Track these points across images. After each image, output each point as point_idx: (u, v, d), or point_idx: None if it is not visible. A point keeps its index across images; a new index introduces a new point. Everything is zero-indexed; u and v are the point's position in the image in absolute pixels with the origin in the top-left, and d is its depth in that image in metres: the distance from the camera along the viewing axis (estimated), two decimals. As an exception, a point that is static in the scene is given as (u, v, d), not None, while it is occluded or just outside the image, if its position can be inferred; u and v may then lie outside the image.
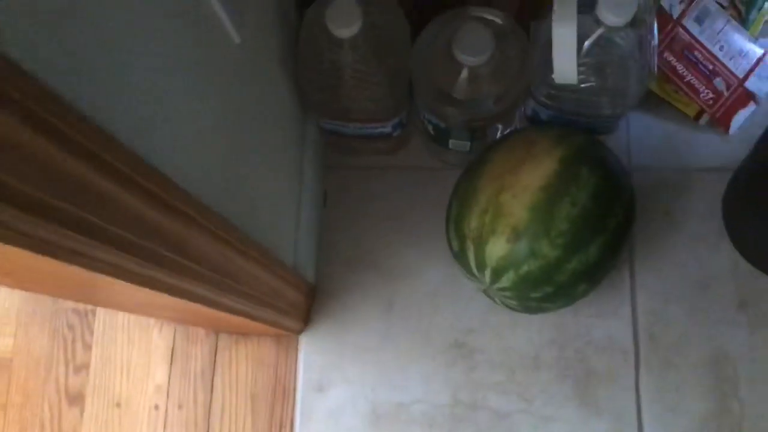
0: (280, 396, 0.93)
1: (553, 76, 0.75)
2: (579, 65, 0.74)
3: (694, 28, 0.94)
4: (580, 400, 0.90)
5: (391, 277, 0.97)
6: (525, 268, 0.75)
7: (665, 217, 0.96)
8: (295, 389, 0.93)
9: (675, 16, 0.93)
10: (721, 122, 0.96)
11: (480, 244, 0.78)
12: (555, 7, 0.70)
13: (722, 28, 0.93)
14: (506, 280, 0.77)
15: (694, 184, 0.97)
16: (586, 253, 0.75)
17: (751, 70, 0.94)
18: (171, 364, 0.95)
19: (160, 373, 0.95)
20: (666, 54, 0.94)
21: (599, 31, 0.72)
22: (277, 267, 0.77)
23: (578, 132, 0.81)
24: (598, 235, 0.76)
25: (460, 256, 0.82)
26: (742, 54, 0.94)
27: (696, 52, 0.94)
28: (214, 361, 0.95)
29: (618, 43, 0.74)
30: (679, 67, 0.94)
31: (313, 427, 0.92)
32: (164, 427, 0.93)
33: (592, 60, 0.75)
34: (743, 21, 0.94)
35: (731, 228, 0.93)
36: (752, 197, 0.86)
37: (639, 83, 0.78)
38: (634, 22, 0.74)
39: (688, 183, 0.97)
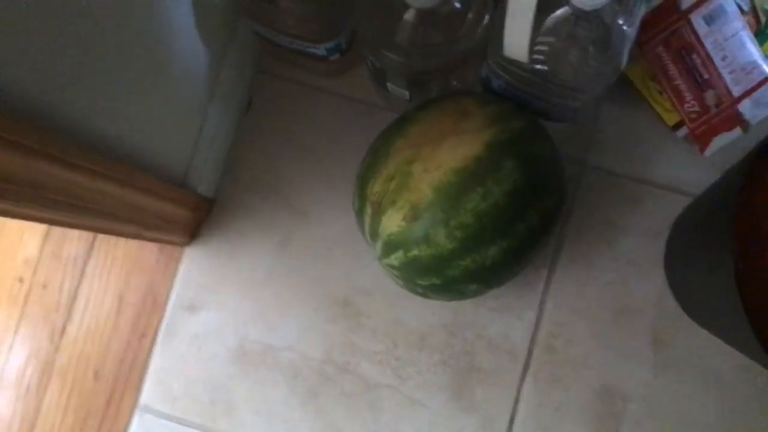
0: (149, 305, 0.87)
1: (503, 47, 0.63)
2: (535, 44, 0.63)
3: (701, 27, 0.80)
4: (455, 392, 0.85)
5: (295, 211, 0.89)
6: (414, 252, 0.67)
7: (606, 228, 0.87)
8: (166, 302, 0.88)
9: (683, 6, 0.80)
10: (699, 140, 0.84)
11: (378, 212, 0.69)
12: (520, -35, 0.58)
13: (733, 35, 0.80)
14: (395, 259, 0.69)
15: (648, 200, 0.87)
16: (484, 254, 0.67)
17: (750, 92, 0.81)
18: (45, 240, 0.89)
19: (31, 246, 0.89)
20: (660, 48, 0.82)
21: (564, 10, 0.60)
22: (150, 184, 0.69)
23: (523, 115, 0.71)
24: (503, 239, 0.67)
25: (358, 217, 0.74)
26: (746, 71, 0.81)
27: (694, 55, 0.81)
28: (90, 250, 0.88)
29: (585, 29, 0.62)
30: (671, 68, 0.82)
31: (175, 345, 0.87)
32: (24, 302, 0.88)
33: (552, 41, 0.63)
34: (760, 33, 0.81)
35: (669, 260, 0.84)
36: (695, 239, 0.76)
37: (601, 81, 0.66)
38: (611, 9, 0.62)
39: (643, 197, 0.87)
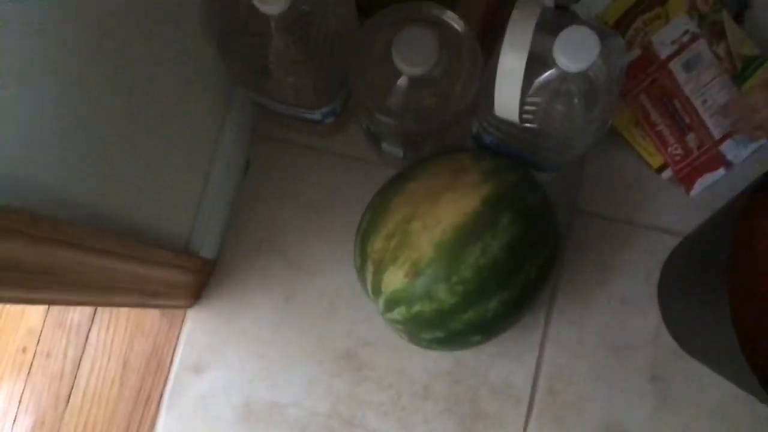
0: (154, 368, 0.88)
1: (494, 108, 0.66)
2: (525, 104, 0.65)
3: (680, 75, 0.84)
4: (461, 439, 0.86)
5: (296, 268, 0.90)
6: (417, 308, 0.69)
7: (599, 270, 0.89)
8: (170, 365, 0.88)
9: (663, 56, 0.84)
10: (685, 181, 0.88)
11: (379, 270, 0.71)
12: (507, 32, 0.61)
13: (711, 81, 0.84)
14: (398, 314, 0.71)
15: (638, 241, 0.89)
16: (485, 306, 0.69)
17: (730, 133, 0.85)
18: (47, 310, 0.89)
19: (34, 317, 0.89)
20: (642, 97, 0.85)
21: (551, 73, 0.63)
22: (154, 255, 0.70)
23: (516, 168, 0.73)
24: (503, 291, 0.69)
25: (359, 274, 0.75)
26: (726, 113, 0.85)
27: (675, 101, 0.85)
28: (93, 317, 0.89)
29: (571, 90, 0.65)
30: (653, 114, 0.85)
31: (181, 407, 0.88)
32: (28, 372, 0.88)
33: (540, 101, 0.66)
34: (737, 77, 0.84)
35: (663, 298, 0.86)
36: (688, 276, 0.78)
37: (589, 136, 0.69)
38: (596, 69, 0.65)
39: (633, 239, 0.89)
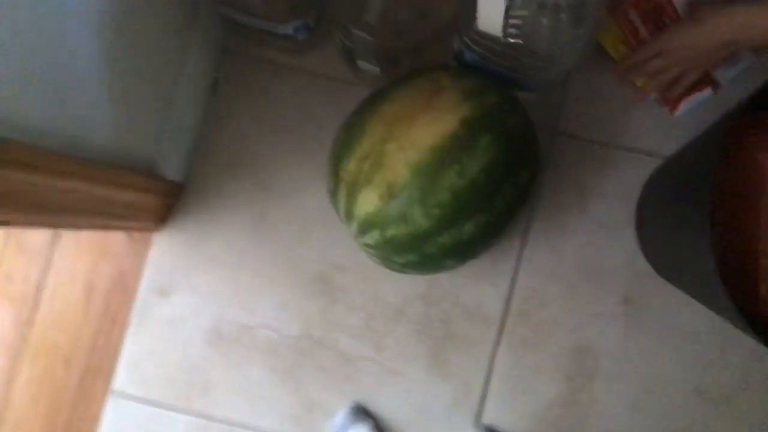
0: (120, 291, 0.85)
1: (477, 21, 0.62)
2: (510, 17, 0.61)
3: (672, -11, 0.80)
4: (432, 361, 0.86)
5: (267, 191, 0.87)
6: (392, 232, 0.67)
7: (577, 193, 0.87)
8: (136, 288, 0.86)
9: (653, -32, 0.79)
10: (670, 101, 0.85)
11: (352, 192, 0.68)
12: (494, -61, 0.56)
13: (704, -3, 0.80)
14: (371, 238, 0.69)
15: (619, 164, 0.87)
16: (461, 229, 0.67)
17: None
18: (7, 233, 0.85)
19: (-8, 238, 0.85)
20: (631, 12, 0.81)
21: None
22: (117, 177, 0.66)
23: (497, 88, 0.69)
24: (480, 214, 0.66)
25: (332, 197, 0.72)
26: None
27: (665, 18, 0.81)
28: (56, 239, 0.85)
29: (558, 3, 0.60)
30: (642, 31, 0.81)
31: (148, 329, 0.86)
32: (-12, 295, 0.85)
33: (525, 15, 0.61)
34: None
35: (641, 221, 0.86)
36: (668, 198, 0.77)
37: (575, 52, 0.65)
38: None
39: (614, 161, 0.87)
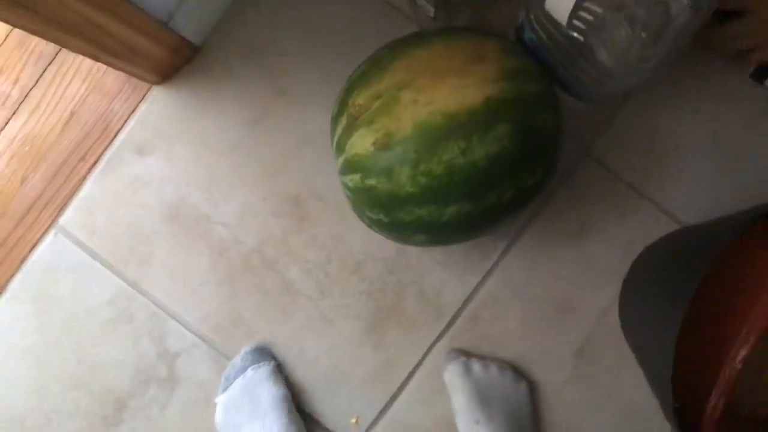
0: (99, 130, 0.82)
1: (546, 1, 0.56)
2: (581, 8, 0.55)
3: None
4: (370, 325, 0.82)
5: (278, 91, 0.82)
6: (372, 182, 0.62)
7: (580, 224, 0.82)
8: (117, 134, 0.82)
9: None
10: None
11: (351, 126, 0.63)
12: None
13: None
14: (351, 180, 0.64)
15: (636, 214, 0.81)
16: (442, 209, 0.62)
17: None
18: (11, 29, 0.82)
19: (-2, 28, 0.82)
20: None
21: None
22: (118, 7, 0.62)
23: (542, 79, 0.63)
24: (467, 202, 0.62)
25: (333, 122, 0.68)
26: None
27: None
28: (57, 54, 0.82)
29: (638, 16, 0.54)
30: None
31: (112, 180, 0.83)
32: (-26, 82, 0.83)
33: (599, 13, 0.55)
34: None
35: (629, 281, 0.80)
36: (659, 272, 0.71)
37: (634, 76, 0.59)
38: (677, 5, 0.54)
39: (633, 209, 0.81)
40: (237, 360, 0.80)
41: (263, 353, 0.81)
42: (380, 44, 0.68)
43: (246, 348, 0.81)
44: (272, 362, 0.80)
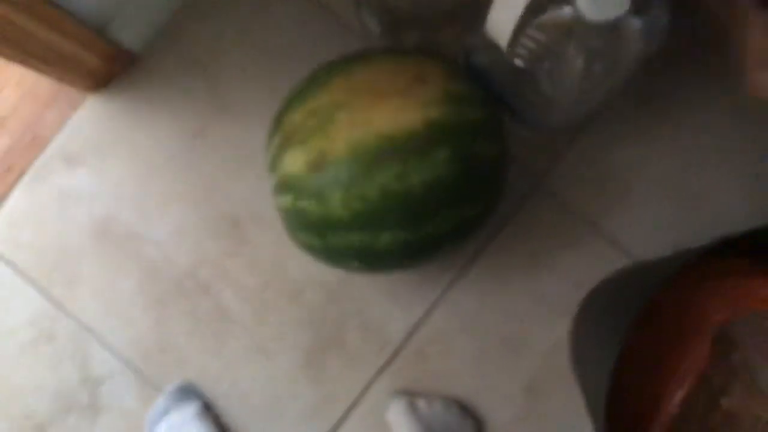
0: (28, 140, 0.78)
1: (486, 23, 0.53)
2: (523, 35, 0.52)
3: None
4: (308, 359, 0.78)
5: (219, 105, 0.79)
6: (303, 204, 0.58)
7: (532, 257, 0.78)
8: (46, 144, 0.78)
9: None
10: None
11: (285, 145, 0.59)
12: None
13: None
14: (283, 200, 0.61)
15: (588, 247, 0.78)
16: (375, 236, 0.58)
17: None
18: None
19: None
20: None
21: (565, 11, 0.49)
22: (45, 13, 0.58)
23: (486, 105, 0.60)
24: (402, 230, 0.58)
25: (268, 139, 0.64)
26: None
27: None
28: (-14, 57, 0.77)
29: (584, 45, 0.51)
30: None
31: (39, 193, 0.78)
32: None
33: (541, 40, 0.52)
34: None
35: (579, 318, 0.76)
36: (607, 310, 0.68)
37: (578, 108, 0.56)
38: (621, 33, 0.51)
39: (586, 243, 0.78)
40: (160, 401, 0.75)
41: (188, 392, 0.75)
42: (326, 58, 0.65)
43: (169, 387, 0.76)
44: (198, 402, 0.75)
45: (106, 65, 0.73)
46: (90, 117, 0.78)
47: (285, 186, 0.59)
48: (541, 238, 0.78)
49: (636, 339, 0.55)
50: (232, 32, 0.79)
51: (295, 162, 0.58)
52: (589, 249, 0.78)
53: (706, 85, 0.78)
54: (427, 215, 0.58)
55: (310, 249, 0.63)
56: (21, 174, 0.78)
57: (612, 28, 0.51)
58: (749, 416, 0.59)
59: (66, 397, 0.78)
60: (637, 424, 0.56)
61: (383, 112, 0.56)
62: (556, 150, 0.78)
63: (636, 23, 0.52)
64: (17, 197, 0.78)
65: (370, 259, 0.61)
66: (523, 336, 0.78)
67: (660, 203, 0.78)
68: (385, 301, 0.78)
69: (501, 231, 0.78)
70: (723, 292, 0.58)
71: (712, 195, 0.78)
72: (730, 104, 0.78)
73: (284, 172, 0.59)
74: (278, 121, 0.62)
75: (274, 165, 0.61)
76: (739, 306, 0.58)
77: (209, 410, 0.76)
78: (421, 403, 0.75)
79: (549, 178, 0.78)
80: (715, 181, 0.78)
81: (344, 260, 0.62)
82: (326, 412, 0.78)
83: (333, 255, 0.62)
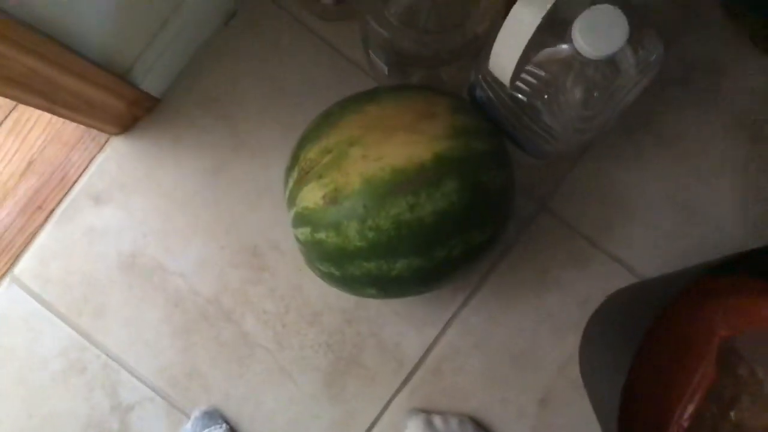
0: (57, 180, 0.82)
1: (489, 59, 0.57)
2: (524, 71, 0.56)
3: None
4: (329, 378, 0.81)
5: (239, 143, 0.83)
6: (321, 236, 0.62)
7: (539, 276, 0.82)
8: (74, 184, 0.82)
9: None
10: None
11: (302, 180, 0.63)
12: (531, -17, 0.51)
13: None
14: (301, 233, 0.64)
15: (593, 265, 0.82)
16: (391, 264, 0.62)
17: None
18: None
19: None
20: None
21: (565, 48, 0.53)
22: (72, 63, 0.62)
23: (492, 137, 0.64)
24: (416, 257, 0.61)
25: (286, 175, 0.68)
26: None
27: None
28: (15, 105, 0.82)
29: (586, 78, 0.55)
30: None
31: (68, 230, 0.82)
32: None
33: (542, 76, 0.56)
34: None
35: (589, 333, 0.80)
36: (616, 324, 0.71)
37: (579, 137, 0.60)
38: (620, 67, 0.55)
39: (591, 261, 0.82)
40: (188, 426, 0.78)
41: (213, 416, 0.79)
42: (339, 98, 0.69)
43: (195, 412, 0.79)
44: (224, 425, 0.78)
45: (130, 109, 0.77)
46: (115, 157, 0.82)
47: (303, 219, 0.63)
48: (546, 257, 0.82)
49: (646, 354, 0.57)
50: (248, 73, 0.83)
51: (311, 197, 0.62)
52: (594, 267, 0.81)
53: (699, 106, 0.82)
54: (438, 242, 0.61)
55: (329, 278, 0.67)
56: (50, 212, 0.82)
57: (609, 61, 0.54)
58: (758, 428, 0.61)
59: (98, 424, 0.82)
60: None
61: (394, 147, 0.60)
62: (559, 174, 0.82)
63: (631, 56, 0.56)
64: (47, 235, 0.82)
65: (386, 286, 0.65)
66: (534, 352, 0.81)
67: (660, 222, 0.81)
68: (400, 322, 0.82)
69: (509, 252, 0.82)
70: (729, 309, 0.61)
71: (711, 213, 0.81)
72: (723, 123, 0.82)
73: (302, 205, 0.63)
74: (295, 158, 0.66)
75: (291, 200, 0.65)
76: (744, 323, 0.60)
77: (235, 432, 0.80)
78: (437, 421, 0.78)
79: (552, 200, 0.82)
80: (714, 199, 0.81)
81: (361, 288, 0.66)
82: (348, 431, 0.81)
83: (350, 283, 0.65)
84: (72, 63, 0.62)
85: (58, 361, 0.82)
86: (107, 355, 0.81)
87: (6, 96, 0.59)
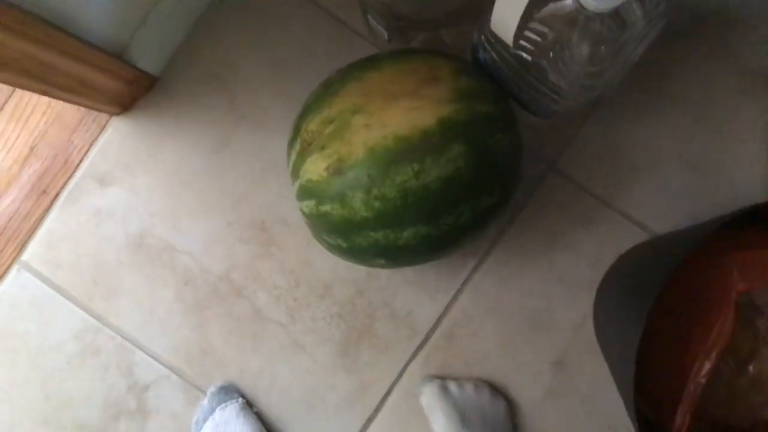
0: (60, 164, 0.81)
1: (491, 19, 0.55)
2: (527, 28, 0.54)
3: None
4: (342, 349, 0.81)
5: (240, 117, 0.82)
6: (326, 208, 0.61)
7: (550, 238, 0.81)
8: (77, 166, 0.81)
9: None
10: None
11: (305, 152, 0.62)
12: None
13: None
14: (306, 206, 0.64)
15: (605, 225, 0.81)
16: (398, 233, 0.61)
17: None
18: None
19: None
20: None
21: (567, 3, 0.51)
22: (69, 46, 0.61)
23: (497, 99, 0.63)
24: (423, 225, 0.61)
25: (288, 147, 0.67)
26: None
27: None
28: (14, 90, 0.81)
29: (589, 32, 0.53)
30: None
31: (74, 213, 0.82)
32: (-68, 120, 0.82)
33: (545, 32, 0.54)
34: None
35: (602, 293, 0.79)
36: (628, 282, 0.70)
37: (586, 94, 0.59)
38: (625, 20, 0.53)
39: (601, 220, 0.81)
40: (204, 402, 0.79)
41: (229, 391, 0.79)
42: (338, 65, 0.67)
43: (211, 388, 0.80)
44: (240, 399, 0.79)
45: (129, 88, 0.76)
46: (117, 137, 0.81)
47: (307, 191, 0.62)
48: (557, 218, 0.81)
49: (661, 312, 0.57)
50: (245, 45, 0.81)
51: (315, 168, 0.61)
52: (605, 227, 0.80)
53: (710, 60, 0.80)
54: (445, 209, 0.60)
55: (337, 250, 0.66)
56: (55, 196, 0.81)
57: (614, 14, 0.53)
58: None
59: (115, 404, 0.82)
60: (666, 396, 0.58)
61: (397, 114, 0.59)
62: (566, 133, 0.80)
63: (638, 7, 0.54)
64: (53, 219, 0.82)
65: (394, 256, 0.64)
66: (547, 314, 0.81)
67: (671, 177, 0.80)
68: (412, 291, 0.81)
69: (518, 215, 0.81)
70: (745, 263, 0.60)
71: (723, 166, 0.79)
72: (734, 76, 0.80)
73: (306, 178, 0.62)
74: (296, 129, 0.65)
75: (295, 172, 0.64)
76: (762, 276, 0.59)
77: (251, 407, 0.80)
78: (453, 386, 0.78)
79: (561, 160, 0.80)
80: (726, 153, 0.80)
81: (370, 258, 0.65)
82: (363, 400, 0.81)
83: (358, 254, 0.65)
84: (66, 45, 0.61)
85: (73, 343, 0.82)
86: (121, 336, 0.82)
87: (3, 81, 0.58)
